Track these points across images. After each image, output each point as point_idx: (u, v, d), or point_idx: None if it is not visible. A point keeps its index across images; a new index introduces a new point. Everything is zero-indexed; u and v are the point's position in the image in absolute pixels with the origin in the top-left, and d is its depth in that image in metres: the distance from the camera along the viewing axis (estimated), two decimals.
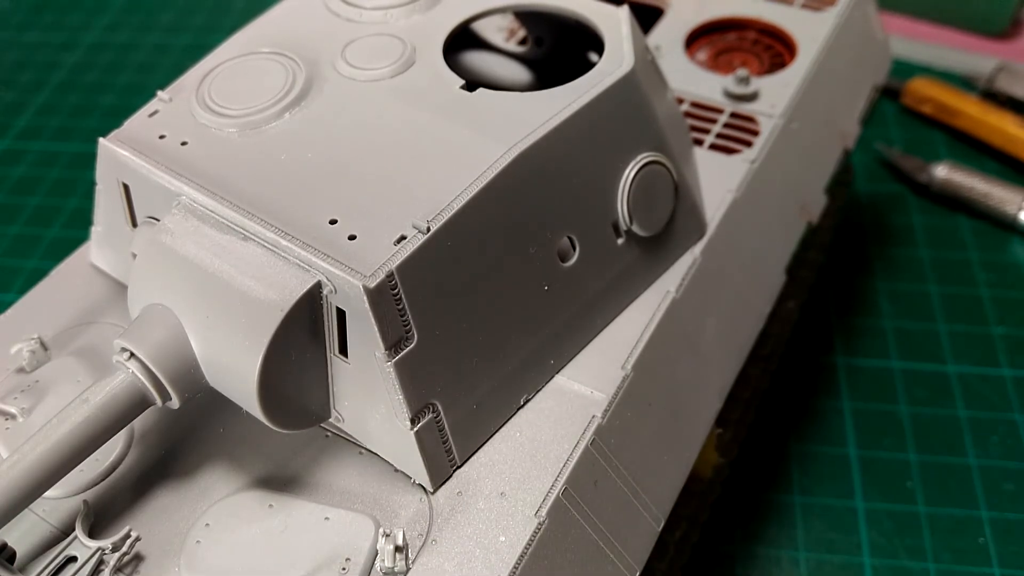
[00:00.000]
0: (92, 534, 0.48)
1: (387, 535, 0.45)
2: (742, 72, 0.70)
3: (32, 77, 1.30)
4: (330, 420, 0.50)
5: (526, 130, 0.51)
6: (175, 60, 1.31)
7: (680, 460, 0.57)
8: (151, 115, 0.56)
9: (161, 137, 0.54)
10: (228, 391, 0.48)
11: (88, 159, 0.58)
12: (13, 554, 0.47)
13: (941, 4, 1.23)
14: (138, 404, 0.47)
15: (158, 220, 0.52)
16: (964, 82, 1.15)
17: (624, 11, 0.59)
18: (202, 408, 0.53)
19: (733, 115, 0.69)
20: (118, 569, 0.46)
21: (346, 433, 0.51)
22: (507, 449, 0.50)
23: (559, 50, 0.74)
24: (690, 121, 0.69)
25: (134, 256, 0.52)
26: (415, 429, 0.47)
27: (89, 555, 0.46)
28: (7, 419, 0.53)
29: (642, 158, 0.56)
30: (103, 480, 0.51)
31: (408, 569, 0.45)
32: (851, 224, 1.01)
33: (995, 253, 0.97)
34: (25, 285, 0.94)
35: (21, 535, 0.48)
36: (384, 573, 0.45)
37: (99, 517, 0.49)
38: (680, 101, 0.70)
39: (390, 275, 0.45)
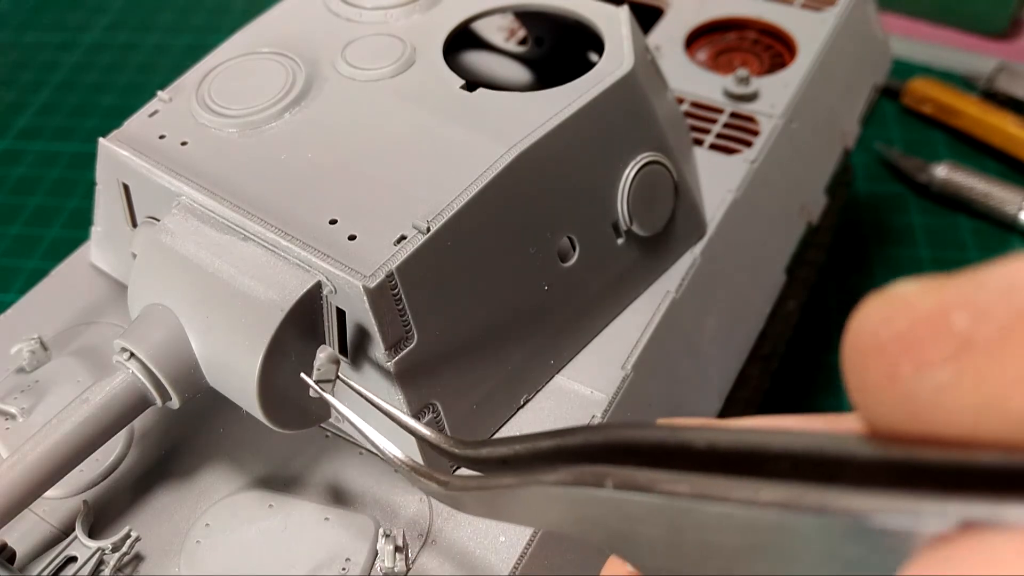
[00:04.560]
0: (92, 534, 0.48)
1: (387, 535, 0.45)
2: (742, 72, 0.70)
3: (32, 77, 1.30)
4: (330, 420, 0.50)
5: (526, 130, 0.51)
6: (175, 60, 1.31)
7: None
8: (151, 115, 0.56)
9: (161, 137, 0.54)
10: (228, 391, 0.48)
11: (88, 159, 0.58)
12: (13, 554, 0.47)
13: (941, 4, 1.23)
14: (138, 404, 0.47)
15: (158, 220, 0.52)
16: (964, 82, 1.15)
17: (624, 11, 0.59)
18: (202, 408, 0.53)
19: (733, 115, 0.69)
20: (118, 569, 0.46)
21: (346, 433, 0.51)
22: None
23: (559, 50, 0.74)
24: (690, 121, 0.69)
25: (134, 256, 0.52)
26: None
27: (89, 555, 0.46)
28: (7, 419, 0.53)
29: (642, 158, 0.56)
30: (103, 480, 0.51)
31: (408, 569, 0.45)
32: (851, 224, 1.01)
33: (995, 253, 0.97)
34: (25, 285, 0.94)
35: (21, 535, 0.48)
36: (384, 573, 0.45)
37: (99, 517, 0.49)
38: (680, 101, 0.70)
39: (390, 275, 0.45)
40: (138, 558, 0.47)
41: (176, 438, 0.53)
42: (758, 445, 0.15)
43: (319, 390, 0.44)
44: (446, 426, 0.48)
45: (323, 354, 0.44)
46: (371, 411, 0.48)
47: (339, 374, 0.45)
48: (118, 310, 0.60)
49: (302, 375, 0.44)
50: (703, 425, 0.17)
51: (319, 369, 0.44)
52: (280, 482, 0.50)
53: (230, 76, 0.57)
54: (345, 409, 0.41)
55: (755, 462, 0.15)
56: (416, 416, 0.47)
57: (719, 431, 0.16)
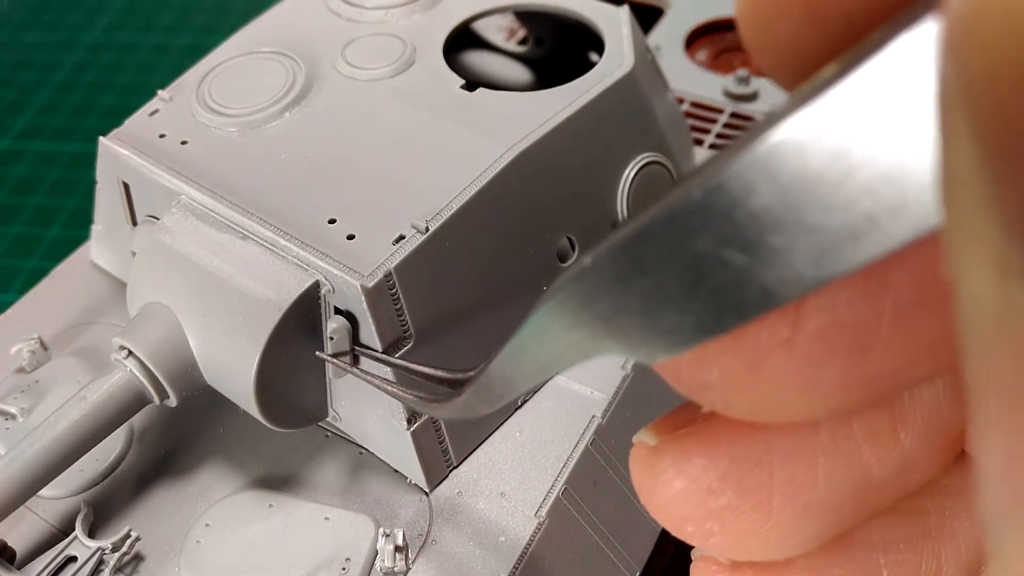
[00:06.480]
0: (92, 534, 0.48)
1: (387, 535, 0.45)
2: (742, 72, 0.70)
3: (32, 77, 1.30)
4: (329, 419, 0.50)
5: (526, 130, 0.51)
6: (175, 60, 1.31)
7: None
8: (151, 114, 0.56)
9: (161, 136, 0.54)
10: (226, 390, 0.48)
11: (88, 159, 0.58)
12: (13, 554, 0.47)
13: None
14: (136, 402, 0.47)
15: (158, 219, 0.52)
16: None
17: (624, 11, 0.59)
18: (202, 408, 0.53)
19: (733, 115, 0.69)
20: (118, 569, 0.46)
21: (345, 432, 0.51)
22: (507, 449, 0.50)
23: (559, 50, 0.74)
24: (690, 121, 0.69)
25: (134, 255, 0.52)
26: (411, 429, 0.47)
27: (89, 555, 0.46)
28: (7, 419, 0.53)
29: (642, 158, 0.56)
30: (103, 480, 0.51)
31: (408, 569, 0.45)
32: None
33: None
34: (25, 285, 0.94)
35: (21, 535, 0.48)
36: (384, 573, 0.45)
37: (99, 517, 0.49)
38: (680, 101, 0.70)
39: (388, 275, 0.44)
40: (138, 558, 0.47)
41: (176, 438, 0.53)
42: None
43: (337, 363, 0.44)
44: (443, 426, 0.48)
45: (334, 324, 0.44)
46: (369, 411, 0.48)
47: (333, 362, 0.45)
48: (118, 310, 0.59)
49: (317, 353, 0.45)
50: None
51: (332, 338, 0.44)
52: (280, 482, 0.50)
53: (230, 75, 0.57)
54: (360, 372, 0.42)
55: None
56: (413, 416, 0.47)
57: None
